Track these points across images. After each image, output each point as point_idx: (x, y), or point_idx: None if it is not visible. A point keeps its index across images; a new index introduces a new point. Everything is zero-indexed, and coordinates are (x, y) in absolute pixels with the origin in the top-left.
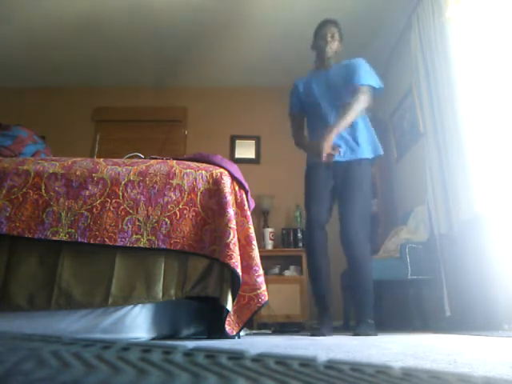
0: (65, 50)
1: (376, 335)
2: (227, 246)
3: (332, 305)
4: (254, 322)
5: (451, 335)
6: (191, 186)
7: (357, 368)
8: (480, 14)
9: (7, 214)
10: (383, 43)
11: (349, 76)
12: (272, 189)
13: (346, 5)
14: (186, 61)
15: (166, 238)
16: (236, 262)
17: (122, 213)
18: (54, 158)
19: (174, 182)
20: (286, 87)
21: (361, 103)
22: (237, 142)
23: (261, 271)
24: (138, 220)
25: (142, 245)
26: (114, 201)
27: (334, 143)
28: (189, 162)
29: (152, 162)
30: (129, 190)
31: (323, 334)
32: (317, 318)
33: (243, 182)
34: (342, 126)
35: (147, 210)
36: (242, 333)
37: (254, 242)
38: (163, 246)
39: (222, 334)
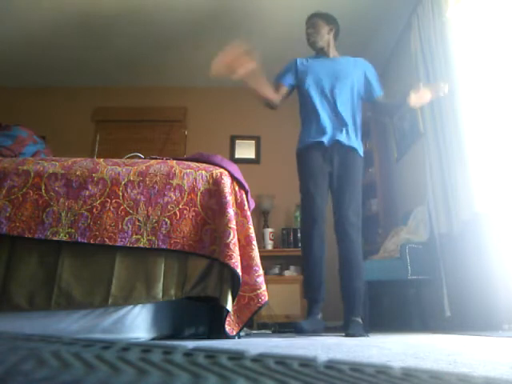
0: (65, 50)
1: (368, 336)
2: (227, 246)
3: (324, 300)
4: (254, 322)
5: (451, 335)
6: (191, 186)
7: (357, 368)
8: (480, 14)
9: (7, 214)
10: (383, 43)
11: (361, 77)
12: (272, 189)
13: (345, 5)
14: (186, 60)
15: (165, 238)
16: (236, 262)
17: (122, 213)
18: (53, 158)
19: (174, 182)
20: None
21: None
22: (237, 142)
23: (261, 271)
24: (138, 220)
25: (142, 245)
26: (114, 201)
27: (342, 121)
28: (189, 162)
29: (152, 162)
30: (129, 190)
31: (303, 330)
32: (307, 311)
33: (243, 182)
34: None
35: (147, 210)
36: (241, 333)
37: (254, 242)
38: (163, 246)
39: (222, 334)
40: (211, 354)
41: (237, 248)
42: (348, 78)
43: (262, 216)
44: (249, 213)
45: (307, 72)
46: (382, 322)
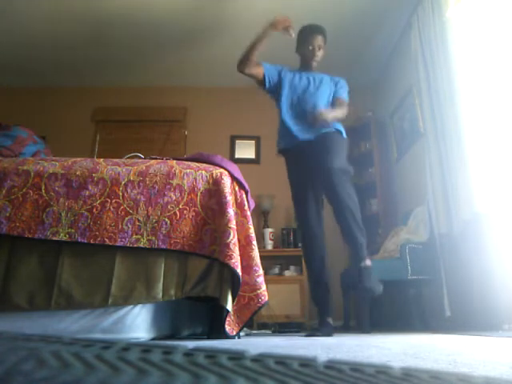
0: (65, 50)
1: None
2: (227, 246)
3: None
4: (254, 322)
5: (451, 335)
6: (191, 186)
7: (357, 368)
8: (480, 14)
9: (7, 214)
10: (383, 43)
11: (331, 89)
12: (272, 189)
13: (346, 5)
14: (187, 61)
15: (165, 238)
16: (236, 262)
17: (122, 213)
18: (54, 158)
19: (174, 182)
20: None
21: (344, 112)
22: (237, 142)
23: (261, 271)
24: (138, 220)
25: (142, 245)
26: (114, 201)
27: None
28: (189, 162)
29: (152, 162)
30: (129, 190)
31: (322, 335)
32: (318, 317)
33: (243, 182)
34: (332, 115)
35: (147, 210)
36: (241, 333)
37: (254, 242)
38: (163, 246)
39: (222, 334)
40: (211, 354)
41: (237, 248)
42: (326, 93)
43: (262, 216)
44: (249, 213)
45: (284, 85)
46: (382, 321)
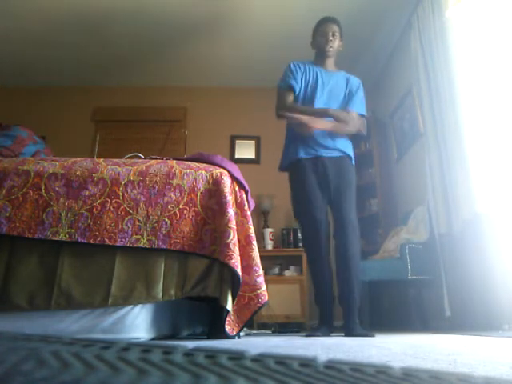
0: (65, 50)
1: (373, 336)
2: (227, 246)
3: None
4: (253, 322)
5: (451, 335)
6: (191, 186)
7: (357, 368)
8: (480, 14)
9: (7, 214)
10: (383, 43)
11: (348, 97)
12: (272, 189)
13: (345, 5)
14: (186, 61)
15: (165, 238)
16: (236, 262)
17: (122, 213)
18: (54, 158)
19: (174, 182)
20: None
21: (356, 127)
22: (237, 142)
23: (261, 271)
24: (138, 220)
25: (142, 245)
26: (114, 201)
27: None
28: (189, 162)
29: (152, 162)
30: (129, 190)
31: (321, 334)
32: (319, 317)
33: (243, 182)
34: (339, 129)
35: (147, 210)
36: (241, 333)
37: (254, 242)
38: (163, 246)
39: (222, 334)
40: (211, 354)
41: (237, 248)
42: (340, 95)
43: (262, 216)
44: (249, 213)
45: (307, 77)
46: (382, 321)
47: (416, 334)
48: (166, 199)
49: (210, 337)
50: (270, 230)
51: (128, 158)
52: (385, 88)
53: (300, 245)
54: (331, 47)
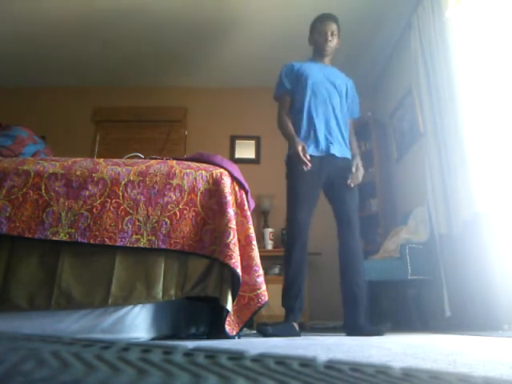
0: (65, 50)
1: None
2: (227, 246)
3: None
4: (254, 322)
5: (451, 335)
6: (191, 186)
7: (357, 368)
8: (480, 14)
9: (7, 214)
10: (383, 43)
11: (347, 99)
12: (272, 189)
13: (345, 4)
14: (186, 61)
15: (165, 238)
16: (236, 262)
17: (122, 213)
18: (54, 158)
19: (174, 182)
20: None
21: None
22: (237, 142)
23: (261, 271)
24: (138, 220)
25: (142, 245)
26: (114, 201)
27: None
28: (189, 162)
29: (152, 162)
30: (129, 190)
31: (267, 334)
32: (285, 317)
33: (243, 182)
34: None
35: (147, 210)
36: (241, 333)
37: (254, 242)
38: (163, 246)
39: (222, 334)
40: (211, 354)
41: (237, 248)
42: (342, 89)
43: (262, 216)
44: (249, 213)
45: (301, 74)
46: (382, 321)
47: (416, 334)
48: (166, 199)
49: (209, 337)
50: (269, 230)
51: (128, 157)
52: (385, 88)
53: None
54: (330, 47)
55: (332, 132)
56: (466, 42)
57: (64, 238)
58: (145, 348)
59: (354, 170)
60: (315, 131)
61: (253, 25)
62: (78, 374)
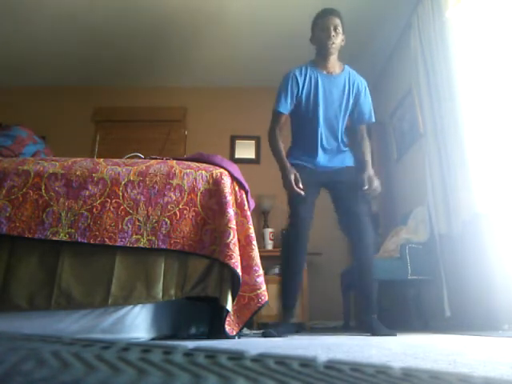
0: (65, 51)
1: (395, 335)
2: (227, 246)
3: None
4: (253, 322)
5: (451, 335)
6: (191, 186)
7: (357, 368)
8: (480, 14)
9: (7, 214)
10: (383, 43)
11: (359, 101)
12: (272, 189)
13: (345, 4)
14: (186, 61)
15: (165, 238)
16: (236, 262)
17: (122, 213)
18: (54, 158)
19: (174, 182)
20: None
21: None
22: (237, 142)
23: (261, 271)
24: (138, 220)
25: (142, 245)
26: (114, 201)
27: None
28: (189, 162)
29: (152, 162)
30: (129, 190)
31: (278, 335)
32: (281, 316)
33: (243, 182)
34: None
35: (147, 210)
36: (241, 333)
37: (254, 242)
38: (163, 246)
39: (222, 334)
40: (211, 354)
41: (237, 248)
42: (343, 98)
43: (262, 216)
44: (249, 213)
45: (307, 93)
46: (382, 321)
47: (416, 334)
48: (166, 199)
49: (209, 337)
50: (269, 230)
51: (128, 157)
52: (384, 88)
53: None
54: (333, 43)
55: (332, 147)
56: (466, 41)
57: (64, 238)
58: (145, 348)
59: (366, 184)
60: (315, 147)
61: (253, 25)
62: (77, 373)
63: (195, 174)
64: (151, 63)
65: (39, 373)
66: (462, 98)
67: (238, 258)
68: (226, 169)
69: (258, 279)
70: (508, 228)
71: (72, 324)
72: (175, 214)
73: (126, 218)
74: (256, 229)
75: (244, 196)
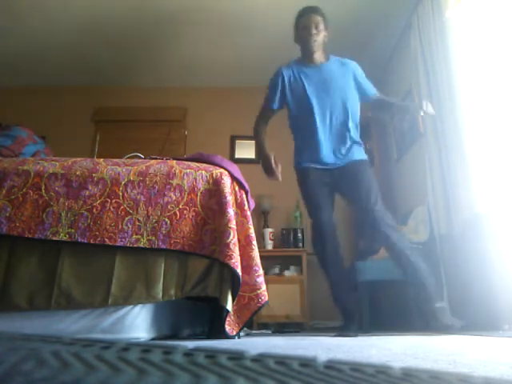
0: (65, 50)
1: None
2: (227, 246)
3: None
4: (253, 322)
5: (451, 335)
6: (191, 186)
7: (357, 368)
8: (480, 14)
9: (7, 214)
10: (383, 43)
11: (351, 81)
12: (272, 189)
13: (345, 4)
14: (186, 60)
15: (165, 238)
16: (236, 262)
17: (122, 213)
18: (54, 158)
19: (174, 182)
20: None
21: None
22: (237, 142)
23: (261, 271)
24: (138, 220)
25: (142, 245)
26: (113, 201)
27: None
28: (189, 162)
29: (152, 162)
30: (129, 190)
31: (351, 335)
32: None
33: (243, 182)
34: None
35: (147, 210)
36: (241, 333)
37: (254, 242)
38: (163, 246)
39: (222, 334)
40: (211, 354)
41: (237, 248)
42: (338, 86)
43: (262, 216)
44: (249, 213)
45: (293, 90)
46: (382, 321)
47: (416, 334)
48: (166, 199)
49: (209, 337)
50: (269, 229)
51: (128, 157)
52: (385, 88)
53: (300, 244)
54: (315, 41)
55: (335, 142)
56: (466, 41)
57: (64, 238)
58: (145, 348)
59: (423, 106)
60: (319, 147)
61: (253, 25)
62: (78, 373)
63: (195, 174)
64: (151, 63)
65: (39, 373)
66: (462, 98)
67: (238, 258)
68: (226, 169)
69: (258, 279)
70: (508, 228)
71: (72, 324)
72: (175, 213)
73: (126, 218)
74: (256, 229)
75: (244, 196)
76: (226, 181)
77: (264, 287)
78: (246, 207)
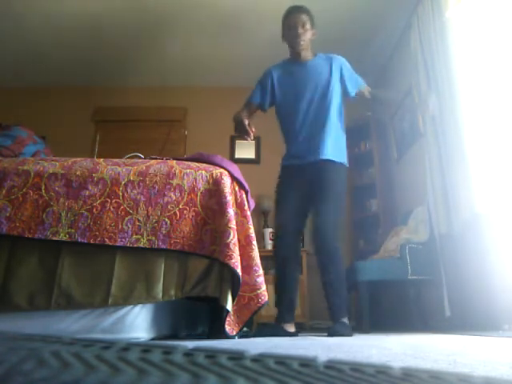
0: (65, 50)
1: (351, 335)
2: (227, 246)
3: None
4: (253, 322)
5: (451, 335)
6: (191, 186)
7: (357, 368)
8: (480, 14)
9: (7, 214)
10: (383, 43)
11: (336, 77)
12: (272, 189)
13: (345, 5)
14: (187, 60)
15: (165, 238)
16: (236, 262)
17: (122, 213)
18: (54, 158)
19: (174, 182)
20: None
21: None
22: (237, 142)
23: (261, 271)
24: (138, 220)
25: (142, 245)
26: (114, 201)
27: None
28: (189, 162)
29: (152, 162)
30: (129, 190)
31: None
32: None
33: (243, 182)
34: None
35: (147, 210)
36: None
37: (254, 242)
38: (163, 246)
39: (222, 334)
40: (211, 354)
41: (237, 248)
42: (320, 83)
43: (262, 216)
44: (249, 213)
45: (282, 86)
46: (382, 321)
47: (416, 333)
48: (166, 199)
49: (210, 337)
50: (269, 230)
51: (128, 157)
52: (385, 88)
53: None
54: (303, 41)
55: (310, 140)
56: (466, 41)
57: (64, 238)
58: (145, 348)
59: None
60: (295, 144)
61: (253, 24)
62: (78, 373)
63: (195, 174)
64: (151, 63)
65: (39, 373)
66: (462, 98)
67: (238, 258)
68: (226, 169)
69: (257, 279)
70: (508, 228)
71: (72, 324)
72: (175, 213)
73: (126, 218)
74: (256, 229)
75: (244, 196)
76: (226, 181)
77: (264, 287)
78: (246, 207)
